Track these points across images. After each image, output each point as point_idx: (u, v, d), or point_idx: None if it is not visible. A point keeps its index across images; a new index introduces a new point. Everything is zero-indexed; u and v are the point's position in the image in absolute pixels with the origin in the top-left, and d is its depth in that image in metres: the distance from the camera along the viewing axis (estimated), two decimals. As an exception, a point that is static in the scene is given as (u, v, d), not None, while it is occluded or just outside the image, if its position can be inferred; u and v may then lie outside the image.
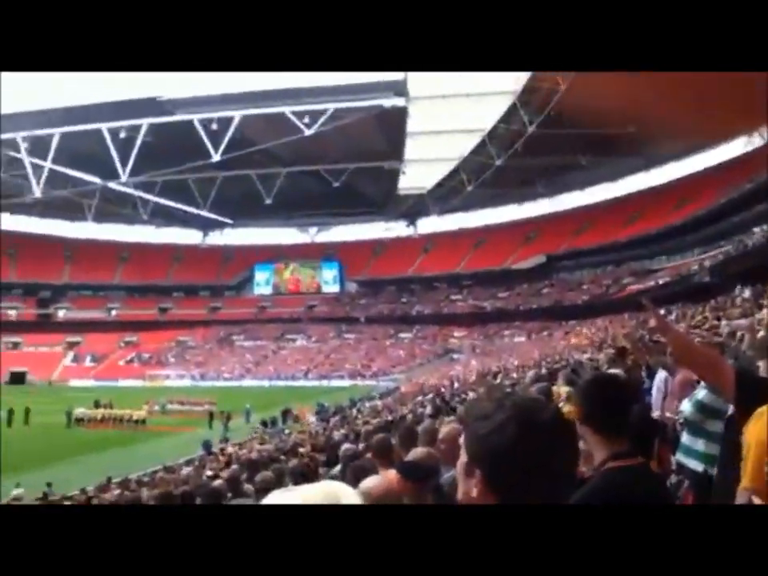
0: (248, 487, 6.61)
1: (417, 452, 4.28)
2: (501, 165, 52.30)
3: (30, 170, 51.97)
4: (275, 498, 0.91)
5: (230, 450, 18.40)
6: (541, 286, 62.71)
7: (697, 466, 3.41)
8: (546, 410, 1.13)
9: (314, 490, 0.91)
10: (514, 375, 17.03)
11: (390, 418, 14.79)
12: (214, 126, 44.73)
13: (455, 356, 54.66)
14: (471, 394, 13.77)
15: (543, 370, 12.70)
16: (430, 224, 74.75)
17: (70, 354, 66.09)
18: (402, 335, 64.79)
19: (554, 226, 63.08)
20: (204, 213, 67.66)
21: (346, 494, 0.92)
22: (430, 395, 19.63)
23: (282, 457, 11.31)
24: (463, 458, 1.16)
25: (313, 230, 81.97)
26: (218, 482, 8.56)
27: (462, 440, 1.20)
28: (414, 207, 69.31)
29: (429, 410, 12.06)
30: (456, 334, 62.01)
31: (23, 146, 50.03)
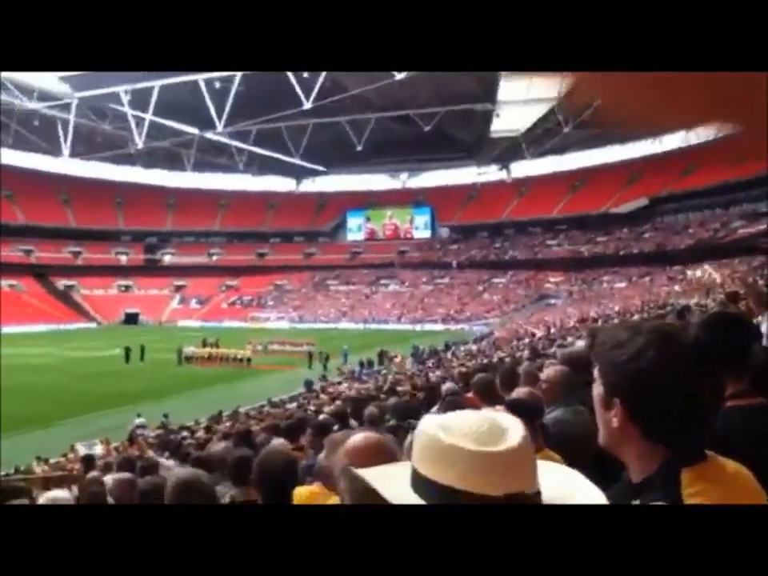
0: (353, 422, 6.92)
1: (520, 391, 4.37)
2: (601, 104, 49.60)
3: (132, 122, 54.45)
4: (431, 421, 0.88)
5: (330, 388, 19.18)
6: (643, 229, 60.00)
7: None
8: (685, 334, 1.11)
9: (473, 414, 0.88)
10: (616, 321, 16.58)
11: (485, 361, 14.87)
12: (305, 74, 44.91)
13: (551, 301, 53.72)
14: (570, 339, 13.61)
15: (646, 315, 12.31)
16: (524, 167, 72.53)
17: (177, 297, 70.06)
18: (496, 280, 64.08)
19: (659, 167, 59.64)
20: (297, 161, 68.80)
21: (505, 419, 0.87)
22: (526, 340, 19.52)
23: (382, 395, 11.69)
24: (598, 390, 1.14)
25: (404, 175, 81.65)
26: (322, 417, 9.05)
27: (595, 373, 1.17)
28: (508, 150, 67.40)
29: (526, 353, 12.00)
30: (552, 279, 60.69)
31: (125, 98, 52.27)
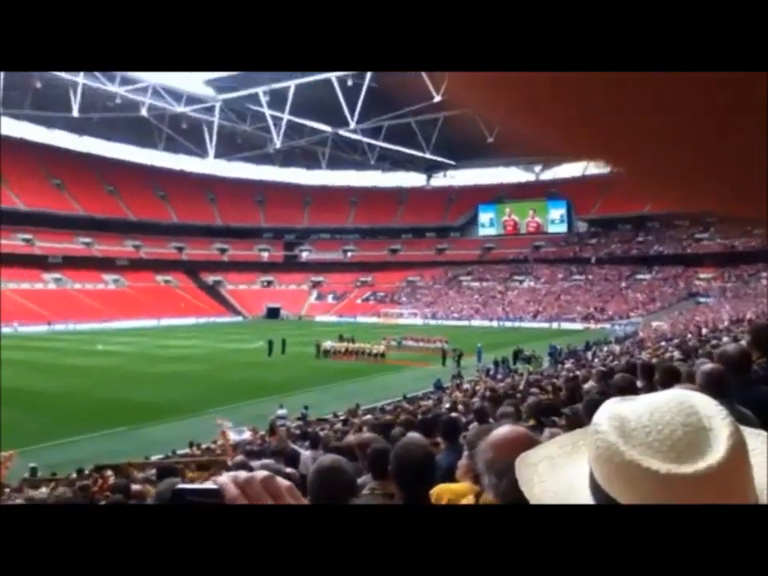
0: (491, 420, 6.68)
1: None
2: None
3: (270, 122, 57.09)
4: (611, 407, 0.69)
5: (465, 385, 18.93)
6: (808, 219, 54.24)
7: None
8: None
9: (666, 405, 0.66)
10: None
11: (630, 360, 13.97)
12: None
13: (701, 300, 49.96)
14: (725, 340, 12.44)
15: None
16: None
17: (315, 293, 72.72)
18: (640, 277, 60.69)
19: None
20: (427, 155, 68.93)
21: (709, 412, 0.65)
22: (676, 341, 18.17)
23: (518, 395, 11.31)
24: None
25: (537, 167, 79.36)
26: (454, 414, 8.92)
27: None
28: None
29: (677, 354, 11.15)
30: (702, 275, 56.50)
31: (264, 99, 54.83)
